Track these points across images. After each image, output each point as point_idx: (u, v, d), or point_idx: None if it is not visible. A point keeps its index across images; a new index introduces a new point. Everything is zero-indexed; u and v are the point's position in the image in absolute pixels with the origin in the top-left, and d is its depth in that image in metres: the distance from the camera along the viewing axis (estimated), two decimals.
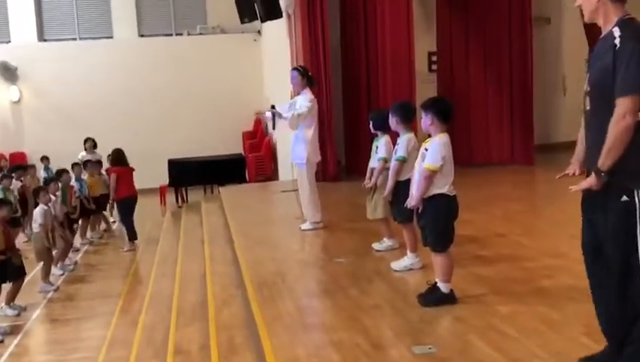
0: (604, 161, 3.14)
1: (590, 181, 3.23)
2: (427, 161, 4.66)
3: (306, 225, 8.03)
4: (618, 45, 3.09)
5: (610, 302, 3.33)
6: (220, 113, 17.89)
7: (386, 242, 6.65)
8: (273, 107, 8.02)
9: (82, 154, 13.53)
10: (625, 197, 3.17)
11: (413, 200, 4.81)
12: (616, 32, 3.13)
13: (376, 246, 6.71)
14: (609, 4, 3.22)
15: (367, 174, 6.53)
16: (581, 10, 3.37)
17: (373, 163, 6.44)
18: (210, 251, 8.10)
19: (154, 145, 15.94)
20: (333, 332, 4.56)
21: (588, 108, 3.33)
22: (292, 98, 8.24)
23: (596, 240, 3.34)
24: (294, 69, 8.35)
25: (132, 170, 11.38)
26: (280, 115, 7.83)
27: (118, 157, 11.33)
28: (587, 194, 3.33)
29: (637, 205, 3.16)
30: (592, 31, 11.95)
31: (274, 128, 8.28)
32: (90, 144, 13.74)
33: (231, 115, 17.92)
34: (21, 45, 17.68)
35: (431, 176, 4.66)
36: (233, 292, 6.23)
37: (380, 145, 6.36)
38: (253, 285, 5.83)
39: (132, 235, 11.23)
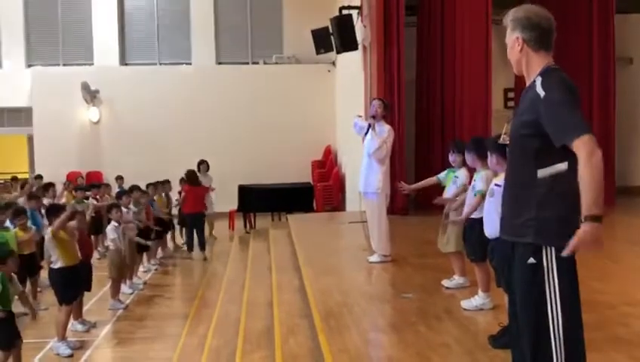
0: (595, 204, 2.84)
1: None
2: None
3: (374, 258, 7.96)
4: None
5: None
6: (290, 141, 18.08)
7: (456, 279, 6.54)
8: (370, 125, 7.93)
9: None
10: (532, 260, 2.98)
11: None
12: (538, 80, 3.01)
13: (445, 283, 6.61)
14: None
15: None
16: None
17: (449, 194, 6.39)
18: (277, 278, 8.11)
19: (225, 170, 16.15)
20: None
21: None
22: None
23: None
24: (378, 98, 8.37)
25: (205, 189, 13.21)
26: (374, 128, 7.78)
27: (192, 177, 12.84)
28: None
29: (546, 268, 2.96)
30: None
31: (365, 134, 7.96)
32: (205, 166, 14.22)
33: (301, 144, 18.08)
34: (103, 68, 18.34)
35: None
36: (299, 321, 6.21)
37: (461, 176, 6.33)
38: (320, 315, 5.81)
39: (190, 246, 12.72)
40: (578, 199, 2.95)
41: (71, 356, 7.05)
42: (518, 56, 3.13)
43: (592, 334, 4.88)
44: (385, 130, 7.80)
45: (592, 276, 6.89)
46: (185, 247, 13.05)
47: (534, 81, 3.01)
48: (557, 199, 2.94)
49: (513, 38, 3.13)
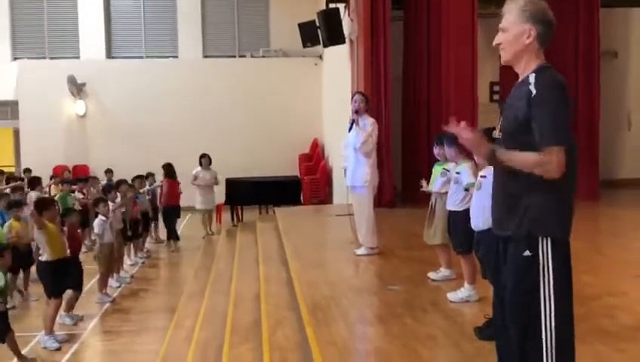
0: (506, 161, 2.95)
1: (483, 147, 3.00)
2: None
3: (361, 251, 7.99)
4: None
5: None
6: (278, 134, 18.09)
7: (443, 272, 6.58)
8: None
9: (197, 170, 13.94)
10: (527, 252, 2.95)
11: None
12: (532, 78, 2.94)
13: (432, 275, 6.65)
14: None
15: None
16: None
17: (436, 187, 6.44)
18: (265, 271, 8.13)
19: (212, 164, 16.20)
20: (387, 360, 4.53)
21: None
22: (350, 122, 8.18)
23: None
24: (359, 92, 8.38)
25: (178, 183, 13.56)
26: (357, 123, 7.77)
27: (170, 170, 13.42)
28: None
29: (541, 260, 2.96)
30: None
31: (349, 130, 7.94)
32: (207, 161, 14.11)
33: (289, 137, 18.11)
34: (90, 61, 18.26)
35: None
36: (286, 313, 6.24)
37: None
38: (308, 308, 5.84)
39: (174, 237, 13.12)
40: (571, 191, 3.03)
41: (58, 349, 7.06)
42: (522, 48, 3.00)
43: (577, 326, 4.94)
44: (368, 123, 7.79)
45: (577, 268, 6.93)
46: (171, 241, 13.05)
47: (527, 78, 2.95)
48: (552, 191, 2.95)
49: (524, 28, 2.97)
